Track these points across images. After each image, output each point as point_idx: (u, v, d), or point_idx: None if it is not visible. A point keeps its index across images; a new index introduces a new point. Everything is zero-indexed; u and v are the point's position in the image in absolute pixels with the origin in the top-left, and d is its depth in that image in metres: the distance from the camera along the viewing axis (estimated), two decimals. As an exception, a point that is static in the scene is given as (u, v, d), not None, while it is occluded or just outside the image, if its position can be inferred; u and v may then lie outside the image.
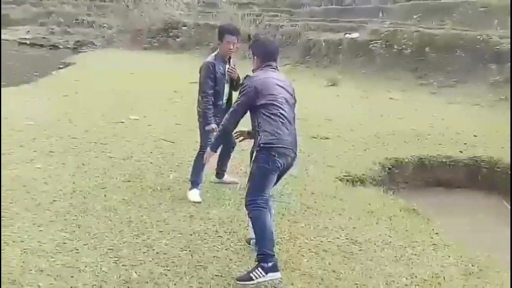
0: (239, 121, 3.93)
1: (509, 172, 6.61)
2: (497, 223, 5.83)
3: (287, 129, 3.68)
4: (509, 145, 7.42)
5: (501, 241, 5.12)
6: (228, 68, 5.06)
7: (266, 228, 3.66)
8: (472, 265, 4.08)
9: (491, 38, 12.93)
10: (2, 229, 4.18)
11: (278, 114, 3.65)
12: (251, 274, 3.57)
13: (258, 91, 3.68)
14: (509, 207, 5.72)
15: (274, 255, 3.65)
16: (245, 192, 3.81)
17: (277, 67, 3.91)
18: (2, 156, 5.99)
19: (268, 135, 3.61)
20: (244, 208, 3.79)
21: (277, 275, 3.62)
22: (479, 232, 5.45)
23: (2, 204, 4.65)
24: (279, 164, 3.66)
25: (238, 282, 3.61)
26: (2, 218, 4.37)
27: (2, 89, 10.08)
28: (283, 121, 3.66)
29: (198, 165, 5.22)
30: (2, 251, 3.83)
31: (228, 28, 5.10)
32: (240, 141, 4.35)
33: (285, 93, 3.77)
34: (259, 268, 3.56)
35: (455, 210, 6.16)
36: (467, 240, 4.65)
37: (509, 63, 11.85)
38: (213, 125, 4.97)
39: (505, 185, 6.59)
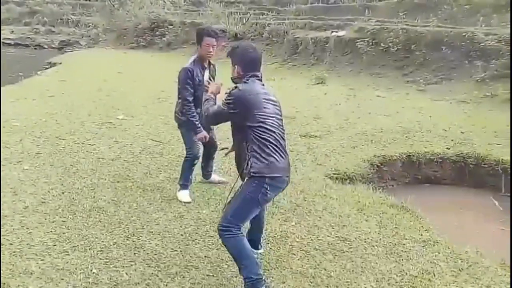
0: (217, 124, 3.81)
1: (496, 168, 6.68)
2: (485, 219, 5.89)
3: (281, 155, 3.40)
4: (496, 142, 7.50)
5: (490, 237, 5.18)
6: (207, 79, 4.88)
7: (245, 254, 3.40)
8: (462, 261, 4.12)
9: (476, 35, 13.05)
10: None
11: (270, 139, 3.35)
12: None
13: (246, 108, 3.35)
14: (497, 203, 5.78)
15: (262, 278, 3.42)
16: (223, 213, 3.56)
17: (261, 77, 3.55)
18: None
19: (259, 163, 3.33)
20: (217, 232, 3.48)
21: None
22: (468, 228, 5.51)
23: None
24: (269, 197, 3.44)
25: None
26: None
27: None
28: (276, 147, 3.38)
29: (187, 169, 5.21)
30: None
31: (207, 30, 4.95)
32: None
33: (275, 110, 3.47)
34: None
35: (444, 207, 6.21)
36: (456, 237, 4.68)
37: (494, 60, 11.98)
38: (204, 133, 4.95)
39: (493, 181, 6.67)
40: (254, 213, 3.53)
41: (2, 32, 30.46)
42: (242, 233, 3.45)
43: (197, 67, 4.91)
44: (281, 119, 3.54)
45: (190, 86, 4.87)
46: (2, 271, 3.60)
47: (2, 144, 6.60)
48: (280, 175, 3.40)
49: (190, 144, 5.14)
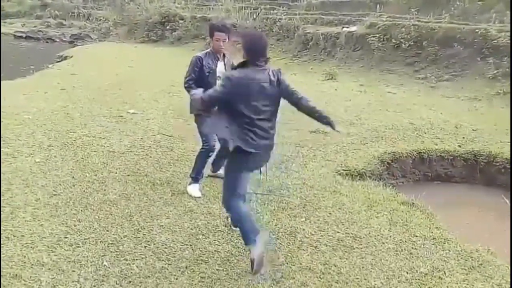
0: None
1: (508, 166, 6.63)
2: (496, 217, 5.86)
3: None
4: (507, 140, 7.44)
5: (501, 235, 5.15)
6: (222, 70, 4.94)
7: (244, 219, 3.84)
8: (473, 260, 4.10)
9: (488, 32, 12.91)
10: (2, 223, 4.19)
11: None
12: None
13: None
14: (508, 202, 5.73)
15: (258, 232, 3.76)
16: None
17: (266, 61, 3.73)
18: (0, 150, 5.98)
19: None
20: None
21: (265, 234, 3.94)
22: (479, 226, 5.49)
23: (1, 198, 4.64)
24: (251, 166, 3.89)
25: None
26: (2, 213, 4.37)
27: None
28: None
29: (200, 162, 5.22)
30: (2, 246, 3.83)
31: (217, 25, 5.07)
32: None
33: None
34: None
35: (454, 205, 6.19)
36: (467, 235, 4.67)
37: (507, 57, 11.87)
38: (197, 91, 4.86)
39: (504, 179, 6.62)
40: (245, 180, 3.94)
41: (13, 25, 30.74)
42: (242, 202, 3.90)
43: (209, 58, 5.02)
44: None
45: (195, 72, 4.97)
46: (14, 263, 3.64)
47: (14, 136, 6.66)
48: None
49: (205, 136, 5.14)
